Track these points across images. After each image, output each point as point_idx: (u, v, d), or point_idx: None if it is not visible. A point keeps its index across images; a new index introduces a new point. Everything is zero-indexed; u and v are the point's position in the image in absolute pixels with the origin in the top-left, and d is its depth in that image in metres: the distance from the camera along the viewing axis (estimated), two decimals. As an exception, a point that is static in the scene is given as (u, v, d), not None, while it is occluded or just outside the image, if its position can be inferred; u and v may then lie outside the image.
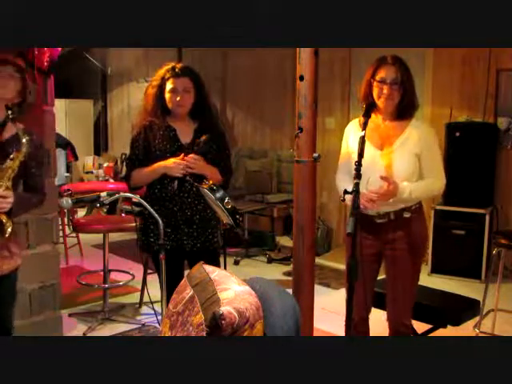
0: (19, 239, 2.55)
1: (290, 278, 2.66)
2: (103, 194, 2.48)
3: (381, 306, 2.63)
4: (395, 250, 2.44)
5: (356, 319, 2.45)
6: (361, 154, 2.13)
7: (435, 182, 2.45)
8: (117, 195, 2.54)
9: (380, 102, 2.40)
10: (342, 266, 5.04)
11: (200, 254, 2.67)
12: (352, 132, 2.54)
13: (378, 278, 2.63)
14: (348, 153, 2.52)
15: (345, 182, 2.44)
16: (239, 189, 6.36)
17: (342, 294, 4.28)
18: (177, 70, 2.68)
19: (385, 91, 2.36)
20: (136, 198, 2.63)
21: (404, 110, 2.42)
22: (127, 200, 5.69)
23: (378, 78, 2.38)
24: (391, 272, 2.50)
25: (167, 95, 2.67)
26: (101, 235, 3.98)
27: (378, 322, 2.63)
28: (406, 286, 2.47)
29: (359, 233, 2.46)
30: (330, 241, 5.86)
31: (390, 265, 2.49)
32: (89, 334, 3.54)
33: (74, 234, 5.28)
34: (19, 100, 2.27)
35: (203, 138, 2.67)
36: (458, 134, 4.73)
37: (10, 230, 2.15)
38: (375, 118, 2.47)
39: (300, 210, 2.45)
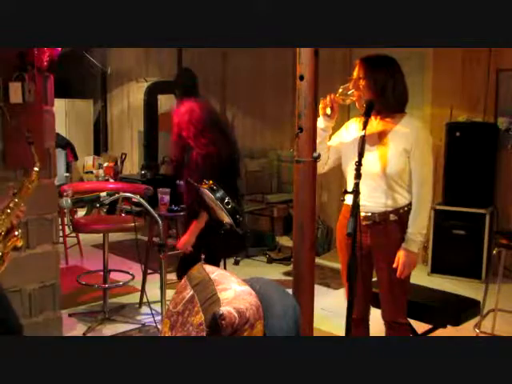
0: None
1: (290, 278, 2.66)
2: (103, 194, 2.48)
3: (379, 305, 2.63)
4: (380, 253, 2.44)
5: (356, 319, 2.45)
6: (361, 154, 2.13)
7: (424, 197, 2.41)
8: (117, 195, 2.54)
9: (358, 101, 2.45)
10: (342, 266, 5.03)
11: None
12: (349, 126, 2.58)
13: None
14: (338, 136, 2.58)
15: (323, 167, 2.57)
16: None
17: (342, 294, 4.27)
18: None
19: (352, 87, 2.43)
20: (136, 198, 2.63)
21: (383, 106, 2.41)
22: (127, 200, 5.69)
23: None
24: (379, 273, 2.51)
25: None
26: (101, 235, 3.98)
27: (378, 322, 2.63)
28: (395, 287, 2.46)
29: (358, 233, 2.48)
30: (330, 241, 5.86)
31: (378, 267, 2.50)
32: (89, 334, 3.54)
33: (73, 234, 5.28)
34: None
35: None
36: (458, 134, 4.74)
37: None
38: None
39: (300, 209, 2.45)
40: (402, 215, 2.41)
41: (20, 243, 2.20)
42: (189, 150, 3.19)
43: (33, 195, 2.85)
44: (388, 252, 2.42)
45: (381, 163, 2.38)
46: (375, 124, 2.46)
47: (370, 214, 2.43)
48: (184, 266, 3.09)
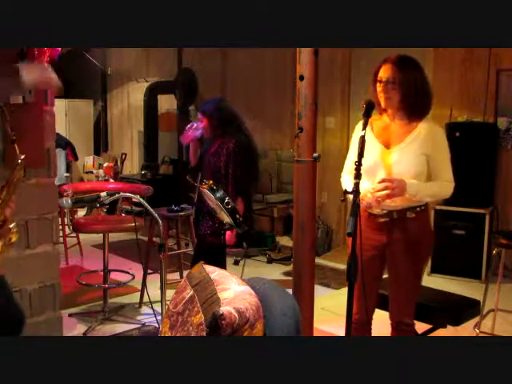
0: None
1: (290, 278, 2.66)
2: (103, 194, 2.48)
3: (384, 307, 2.62)
4: (396, 251, 2.43)
5: (357, 321, 2.44)
6: (361, 154, 2.13)
7: (444, 185, 2.42)
8: (117, 195, 2.55)
9: (381, 102, 2.40)
10: (342, 266, 5.03)
11: None
12: (359, 134, 2.54)
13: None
14: (353, 152, 2.52)
15: (349, 182, 2.46)
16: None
17: (342, 294, 4.27)
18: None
19: (379, 89, 2.38)
20: (136, 198, 2.63)
21: (410, 111, 2.39)
22: (127, 200, 5.70)
23: (378, 77, 2.39)
24: (392, 272, 2.49)
25: None
26: (101, 235, 3.98)
27: (382, 323, 2.62)
28: (407, 287, 2.45)
29: (361, 232, 2.46)
30: (330, 241, 5.87)
31: (392, 265, 2.48)
32: (89, 334, 3.54)
33: (73, 234, 5.28)
34: None
35: None
36: (457, 134, 4.73)
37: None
38: (385, 118, 2.47)
39: (300, 209, 2.45)
40: (418, 213, 2.41)
41: (14, 238, 2.18)
42: (214, 141, 3.39)
43: (33, 195, 2.85)
44: (403, 249, 2.40)
45: (400, 165, 2.36)
46: (394, 126, 2.44)
47: (386, 211, 2.41)
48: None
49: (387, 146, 2.41)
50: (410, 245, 2.40)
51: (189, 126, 3.53)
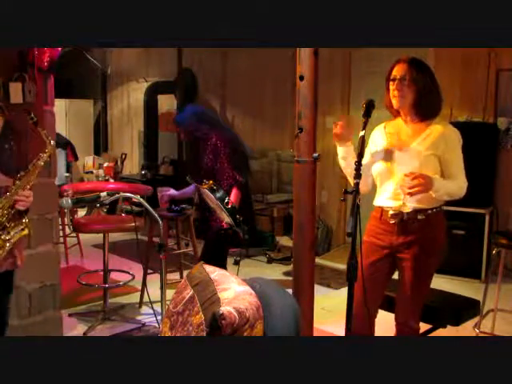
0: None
1: (290, 278, 2.66)
2: (103, 194, 2.48)
3: (389, 309, 2.61)
4: (405, 252, 2.41)
5: (358, 323, 2.42)
6: (361, 154, 2.13)
7: (460, 185, 2.44)
8: (117, 195, 2.54)
9: (394, 102, 2.40)
10: (342, 266, 5.03)
11: None
12: (374, 135, 2.56)
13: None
14: (370, 155, 2.52)
15: (365, 187, 2.50)
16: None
17: (342, 294, 4.27)
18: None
19: (394, 87, 2.37)
20: (136, 198, 2.63)
21: (423, 111, 2.39)
22: (127, 200, 5.69)
23: (391, 75, 2.39)
24: (401, 274, 2.47)
25: None
26: (101, 235, 3.98)
27: (387, 324, 2.61)
28: (414, 290, 2.43)
29: (372, 233, 2.45)
30: (330, 241, 5.86)
31: (400, 267, 2.46)
32: (89, 334, 3.54)
33: (74, 234, 5.28)
34: None
35: None
36: (457, 134, 4.73)
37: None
38: (398, 121, 2.48)
39: (300, 209, 2.45)
40: (429, 215, 2.39)
41: (25, 231, 2.24)
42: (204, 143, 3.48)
43: (33, 195, 2.85)
44: (412, 251, 2.39)
45: (411, 166, 2.35)
46: (406, 129, 2.44)
47: (397, 212, 2.41)
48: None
49: (398, 147, 2.41)
50: (419, 247, 2.38)
51: (159, 196, 3.91)
